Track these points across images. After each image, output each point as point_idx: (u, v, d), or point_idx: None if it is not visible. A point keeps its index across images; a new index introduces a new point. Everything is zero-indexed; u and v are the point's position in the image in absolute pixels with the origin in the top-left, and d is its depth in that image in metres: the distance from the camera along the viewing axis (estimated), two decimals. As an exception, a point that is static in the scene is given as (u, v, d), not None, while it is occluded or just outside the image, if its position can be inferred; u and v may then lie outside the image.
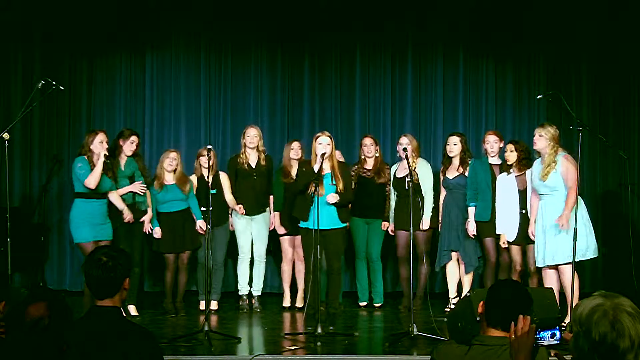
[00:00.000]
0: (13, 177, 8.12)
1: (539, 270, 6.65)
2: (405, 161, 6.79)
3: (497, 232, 6.98)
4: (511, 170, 6.98)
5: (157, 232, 7.20)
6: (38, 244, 8.13)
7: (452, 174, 7.34)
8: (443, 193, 7.40)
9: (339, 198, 6.59)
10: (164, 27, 8.62)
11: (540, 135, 6.43)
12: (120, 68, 8.62)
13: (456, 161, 7.35)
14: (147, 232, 7.17)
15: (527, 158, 6.91)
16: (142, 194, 7.04)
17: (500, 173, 7.08)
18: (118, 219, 6.85)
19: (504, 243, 6.95)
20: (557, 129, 6.52)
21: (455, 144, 7.36)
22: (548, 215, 6.41)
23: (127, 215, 6.85)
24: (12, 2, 8.36)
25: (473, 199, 7.14)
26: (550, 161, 6.37)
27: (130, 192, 6.97)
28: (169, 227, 7.22)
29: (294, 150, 7.49)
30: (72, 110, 8.55)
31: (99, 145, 6.64)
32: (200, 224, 7.28)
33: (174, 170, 7.29)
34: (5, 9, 8.28)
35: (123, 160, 7.06)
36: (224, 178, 7.48)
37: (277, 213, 7.53)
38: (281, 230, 7.51)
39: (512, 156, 6.99)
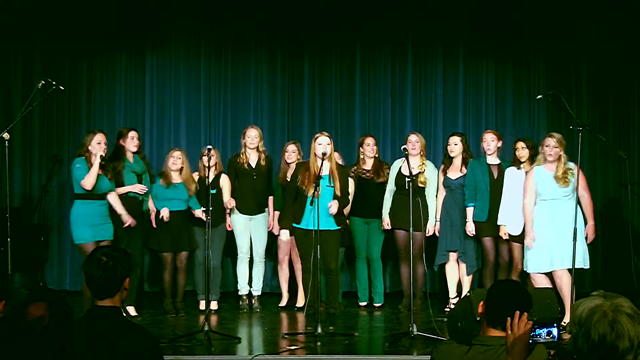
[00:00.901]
0: (13, 177, 8.12)
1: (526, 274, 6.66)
2: (412, 159, 6.80)
3: (499, 223, 6.95)
4: (521, 166, 6.95)
5: (165, 211, 7.15)
6: (38, 244, 8.13)
7: (454, 174, 7.33)
8: (442, 193, 7.39)
9: (338, 205, 6.57)
10: (164, 27, 8.62)
11: (555, 147, 6.46)
12: (120, 68, 8.62)
13: (458, 161, 7.34)
14: (159, 219, 7.15)
15: (536, 155, 6.90)
16: (141, 194, 7.05)
17: (508, 167, 7.04)
18: (120, 221, 6.83)
19: (505, 234, 6.94)
20: (563, 136, 6.59)
21: (455, 144, 7.36)
22: (561, 220, 6.39)
23: (127, 220, 6.83)
24: (12, 2, 8.36)
25: (471, 199, 7.14)
26: (566, 168, 6.44)
27: (127, 192, 6.97)
28: (168, 226, 7.21)
29: (288, 153, 7.52)
30: (72, 110, 8.55)
31: (96, 145, 6.62)
32: (199, 213, 7.25)
33: (180, 169, 7.29)
34: (5, 9, 8.28)
35: (131, 158, 7.07)
36: (224, 180, 7.48)
37: (277, 212, 7.55)
38: (277, 230, 7.50)
39: (524, 153, 6.95)
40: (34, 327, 2.79)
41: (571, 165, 6.47)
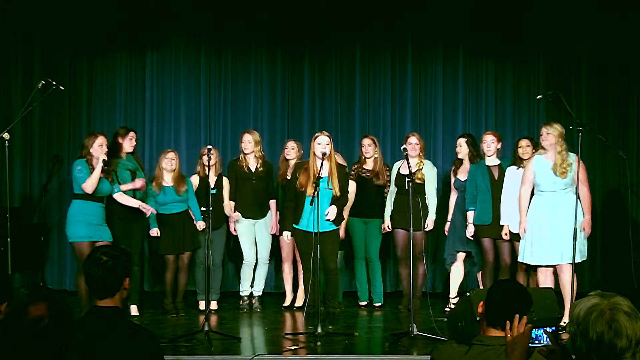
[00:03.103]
0: (13, 177, 8.11)
1: (531, 268, 6.67)
2: (411, 159, 6.81)
3: (502, 222, 6.93)
4: (522, 165, 6.92)
5: (154, 232, 7.18)
6: (38, 244, 8.13)
7: (463, 175, 7.34)
8: (454, 194, 7.40)
9: (336, 211, 6.57)
10: (164, 27, 8.62)
11: (547, 133, 6.46)
12: (120, 68, 8.63)
13: (466, 163, 7.35)
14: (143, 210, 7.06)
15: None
16: (143, 190, 7.02)
17: (509, 167, 7.03)
18: (117, 225, 6.79)
19: (506, 234, 6.94)
20: (563, 127, 6.54)
21: (460, 145, 7.40)
22: (560, 213, 6.38)
23: (147, 208, 6.82)
24: (12, 2, 8.36)
25: (472, 203, 7.13)
26: (565, 157, 6.40)
27: (130, 189, 6.94)
28: (169, 229, 7.21)
29: (287, 150, 7.53)
30: (72, 110, 8.55)
31: (98, 148, 6.59)
32: (200, 224, 7.27)
33: (173, 171, 7.29)
34: (5, 9, 8.28)
35: (124, 156, 7.05)
36: (225, 182, 7.48)
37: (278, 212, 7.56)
38: (277, 230, 7.51)
39: (528, 150, 6.92)
40: (34, 326, 2.79)
41: (572, 156, 6.43)
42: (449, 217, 7.39)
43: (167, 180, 7.28)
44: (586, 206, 6.45)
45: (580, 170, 6.32)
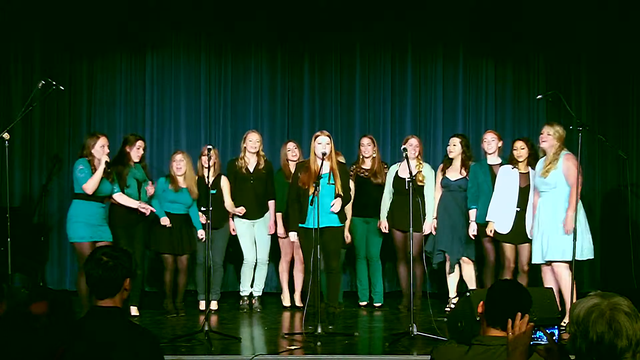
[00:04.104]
0: (13, 177, 8.11)
1: (535, 267, 6.67)
2: (410, 161, 6.81)
3: (487, 219, 6.94)
4: (517, 165, 6.91)
5: (165, 220, 7.16)
6: (38, 244, 8.13)
7: (454, 175, 7.32)
8: (439, 192, 7.39)
9: (341, 203, 6.56)
10: (164, 27, 8.62)
11: (548, 134, 6.47)
12: (120, 68, 8.62)
13: (457, 163, 7.34)
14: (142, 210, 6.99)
15: (533, 156, 6.89)
16: (147, 213, 6.97)
17: (503, 165, 7.03)
18: (119, 231, 6.77)
19: (490, 231, 6.93)
20: (564, 130, 6.53)
21: (454, 145, 7.36)
22: (545, 212, 6.44)
23: (147, 208, 6.82)
24: (12, 2, 8.36)
25: (474, 202, 7.13)
26: (553, 159, 6.41)
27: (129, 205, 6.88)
28: (169, 228, 7.21)
29: (290, 151, 7.53)
30: (72, 110, 8.54)
31: (100, 150, 6.58)
32: (201, 233, 7.27)
33: (184, 174, 7.28)
34: (5, 9, 8.28)
35: (132, 165, 7.05)
36: (224, 182, 7.47)
37: (279, 214, 7.53)
38: (282, 231, 7.50)
39: (523, 153, 6.90)
40: (35, 326, 2.79)
41: (561, 156, 6.42)
42: (434, 215, 7.36)
43: (181, 182, 7.28)
44: (569, 203, 6.35)
45: (568, 170, 6.32)
